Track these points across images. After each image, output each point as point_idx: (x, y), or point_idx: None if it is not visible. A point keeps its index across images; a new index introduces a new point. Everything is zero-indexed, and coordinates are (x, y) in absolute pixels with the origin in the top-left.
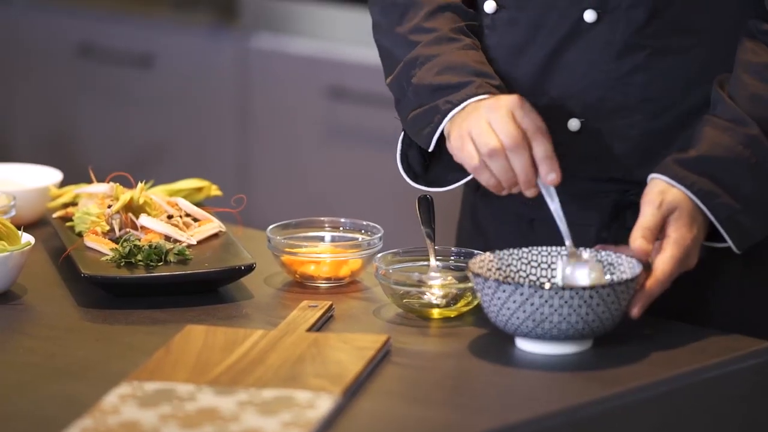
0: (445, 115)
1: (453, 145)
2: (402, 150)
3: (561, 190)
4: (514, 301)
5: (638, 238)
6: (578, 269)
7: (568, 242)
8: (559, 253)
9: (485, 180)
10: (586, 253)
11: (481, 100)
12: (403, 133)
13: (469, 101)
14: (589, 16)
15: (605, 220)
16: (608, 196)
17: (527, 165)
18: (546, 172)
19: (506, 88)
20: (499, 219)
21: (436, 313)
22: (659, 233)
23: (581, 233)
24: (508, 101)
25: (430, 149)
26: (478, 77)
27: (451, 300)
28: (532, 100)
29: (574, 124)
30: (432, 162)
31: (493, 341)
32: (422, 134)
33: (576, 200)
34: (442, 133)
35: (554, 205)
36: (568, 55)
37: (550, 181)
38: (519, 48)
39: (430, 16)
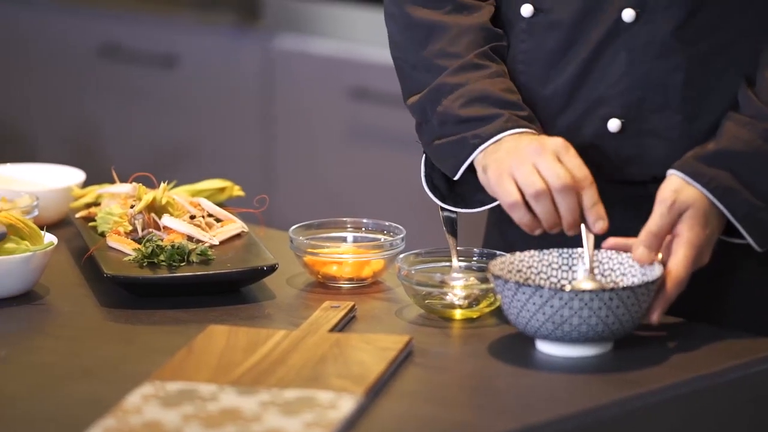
0: (474, 149)
1: (490, 180)
2: (426, 172)
3: (603, 193)
4: (534, 304)
5: (640, 246)
6: None
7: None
8: (580, 255)
9: (519, 218)
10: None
11: (520, 134)
12: (425, 156)
13: (501, 135)
14: (628, 15)
15: (642, 223)
16: (649, 198)
17: (575, 207)
18: (594, 220)
19: (543, 93)
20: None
21: (458, 314)
22: (670, 230)
23: (625, 235)
24: (554, 145)
25: (456, 178)
26: (505, 109)
27: (474, 301)
28: (572, 101)
29: (614, 124)
30: (458, 182)
31: (515, 342)
32: (447, 164)
33: (618, 202)
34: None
35: (588, 250)
36: (608, 56)
37: (598, 229)
38: (558, 50)
39: (455, 39)
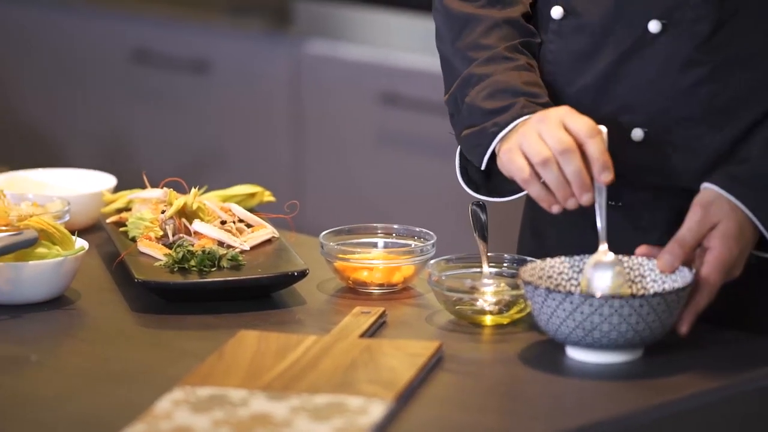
0: (493, 137)
1: (502, 160)
2: (461, 164)
3: (622, 197)
4: (564, 310)
5: (665, 254)
6: (600, 272)
7: (602, 246)
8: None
9: (535, 192)
10: (611, 257)
11: (529, 117)
12: (459, 148)
13: (518, 121)
14: (654, 26)
15: (667, 226)
16: (670, 204)
17: (579, 168)
18: (599, 171)
19: (568, 95)
20: (560, 226)
21: (488, 319)
22: (705, 241)
23: (642, 240)
24: (558, 111)
25: (482, 167)
26: (523, 97)
27: (504, 307)
28: (596, 107)
29: (637, 134)
30: (492, 173)
31: (545, 349)
32: (474, 154)
33: (638, 208)
34: (493, 153)
35: (600, 202)
36: (633, 65)
37: (604, 180)
38: (584, 55)
39: (488, 32)
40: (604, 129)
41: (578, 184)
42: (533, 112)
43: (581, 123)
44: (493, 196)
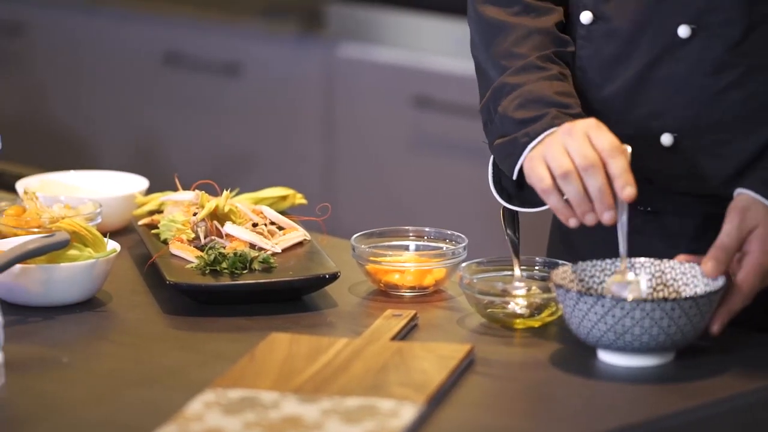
0: (524, 148)
1: (525, 168)
2: (494, 172)
3: (652, 203)
4: (596, 313)
5: (710, 259)
6: (618, 292)
7: (622, 264)
8: (642, 265)
9: (553, 204)
10: (631, 275)
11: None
12: (493, 157)
13: (547, 132)
14: (683, 31)
15: (696, 232)
16: (699, 210)
17: (602, 184)
18: (621, 186)
19: (598, 100)
20: (591, 235)
21: (520, 323)
22: (740, 247)
23: (671, 245)
24: (584, 124)
25: (514, 177)
26: (554, 108)
27: (535, 310)
28: (625, 112)
29: (667, 139)
30: (525, 183)
31: (577, 352)
32: (505, 164)
33: (666, 213)
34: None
35: (622, 221)
36: (663, 70)
37: (626, 196)
38: (614, 60)
39: (521, 40)
40: (628, 148)
41: (600, 201)
42: (564, 123)
43: (606, 140)
44: (525, 207)
